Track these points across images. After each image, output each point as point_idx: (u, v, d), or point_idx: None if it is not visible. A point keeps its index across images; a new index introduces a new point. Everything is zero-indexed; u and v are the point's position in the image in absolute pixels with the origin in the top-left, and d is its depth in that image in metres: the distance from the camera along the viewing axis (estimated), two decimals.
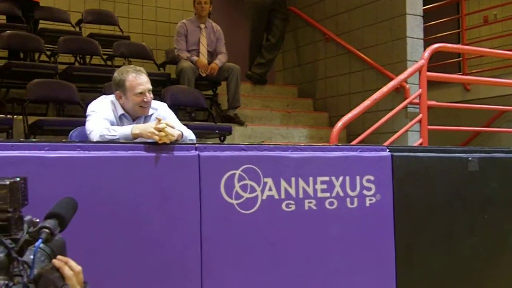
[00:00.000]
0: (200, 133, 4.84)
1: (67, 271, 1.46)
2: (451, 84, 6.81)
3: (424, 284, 3.54)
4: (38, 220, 1.46)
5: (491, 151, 3.96)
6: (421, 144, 4.83)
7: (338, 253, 3.19)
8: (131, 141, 2.88)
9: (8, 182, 1.39)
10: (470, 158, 3.73)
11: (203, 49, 6.32)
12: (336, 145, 3.76)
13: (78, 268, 1.49)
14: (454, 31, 7.97)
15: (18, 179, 1.42)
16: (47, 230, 1.43)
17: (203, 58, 6.26)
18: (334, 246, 3.18)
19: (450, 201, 3.68)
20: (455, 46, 5.94)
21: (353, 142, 4.74)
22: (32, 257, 1.39)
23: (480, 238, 3.82)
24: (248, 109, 6.61)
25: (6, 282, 1.31)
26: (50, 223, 1.46)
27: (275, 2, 7.15)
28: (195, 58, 6.21)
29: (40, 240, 1.41)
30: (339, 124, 4.37)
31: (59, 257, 1.48)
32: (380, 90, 4.79)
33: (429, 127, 4.89)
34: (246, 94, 7.14)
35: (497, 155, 3.95)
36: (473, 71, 7.77)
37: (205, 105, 5.97)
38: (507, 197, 3.97)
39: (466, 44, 7.57)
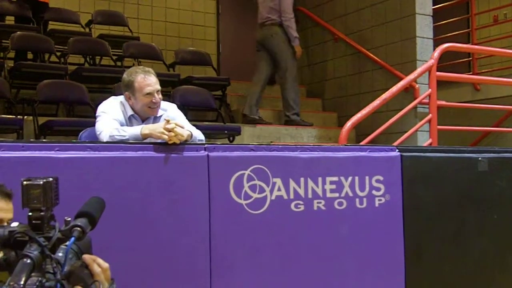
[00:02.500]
0: (209, 134, 4.85)
1: (95, 268, 1.48)
2: (460, 84, 6.79)
3: (433, 284, 3.54)
4: (69, 218, 1.49)
5: (501, 151, 3.94)
6: (430, 144, 4.82)
7: (347, 253, 3.18)
8: (140, 142, 2.89)
9: (41, 182, 1.43)
10: (479, 158, 3.72)
11: None
12: (345, 145, 3.76)
13: (105, 265, 1.52)
14: (464, 30, 7.94)
15: (51, 179, 1.45)
16: (79, 229, 1.46)
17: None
18: (343, 246, 3.18)
19: (459, 201, 3.67)
20: (464, 45, 5.92)
21: (362, 142, 4.74)
22: (62, 254, 1.42)
23: (489, 238, 3.81)
24: None
25: (40, 279, 1.33)
26: (81, 221, 1.49)
27: None
28: None
29: (72, 239, 1.44)
30: (348, 124, 4.36)
31: (86, 255, 1.50)
32: (390, 90, 4.78)
33: (439, 127, 4.87)
34: None
35: (507, 155, 3.93)
36: (483, 70, 7.74)
37: (214, 105, 5.98)
38: None
39: (476, 44, 7.54)
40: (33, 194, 1.42)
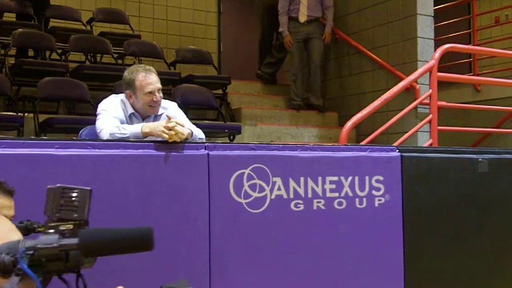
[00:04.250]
0: (209, 132, 4.85)
1: None
2: (461, 85, 6.78)
3: (432, 285, 3.54)
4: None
5: (501, 152, 3.94)
6: (431, 144, 4.82)
7: (346, 253, 3.19)
8: (141, 140, 2.90)
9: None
10: (480, 159, 3.72)
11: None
12: (345, 145, 3.76)
13: None
14: (465, 31, 7.94)
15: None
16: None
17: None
18: (342, 246, 3.18)
19: (459, 202, 3.67)
20: (465, 46, 5.92)
21: (363, 142, 4.74)
22: None
23: (489, 239, 3.81)
24: (258, 109, 6.62)
25: None
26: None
27: None
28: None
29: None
30: (349, 124, 4.36)
31: None
32: (390, 90, 4.78)
33: (439, 127, 4.87)
34: (256, 94, 7.15)
35: (507, 156, 3.93)
36: (484, 71, 7.74)
37: (215, 104, 5.98)
38: None
39: (477, 45, 7.54)
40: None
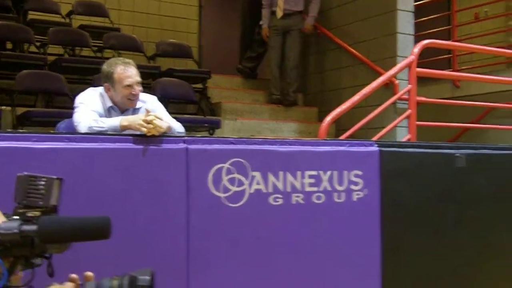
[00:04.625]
0: (189, 127, 4.83)
1: None
2: (440, 81, 6.84)
3: (410, 279, 3.57)
4: None
5: (479, 148, 3.98)
6: (409, 139, 4.85)
7: (324, 247, 3.20)
8: (119, 133, 2.88)
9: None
10: (457, 154, 3.75)
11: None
12: (324, 139, 3.77)
13: None
14: (445, 27, 7.99)
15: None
16: None
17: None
18: (321, 240, 3.19)
19: (437, 197, 3.70)
20: (445, 42, 5.95)
21: (342, 137, 4.75)
22: None
23: (467, 233, 3.84)
24: (238, 103, 6.61)
25: None
26: None
27: None
28: None
29: None
30: (328, 118, 4.37)
31: None
32: (370, 85, 4.79)
33: (418, 123, 4.90)
34: (236, 88, 7.14)
35: (484, 152, 3.97)
36: (463, 67, 7.80)
37: (195, 98, 5.97)
38: (494, 193, 4.00)
39: (457, 41, 7.59)
40: None
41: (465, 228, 3.84)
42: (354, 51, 6.51)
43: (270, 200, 3.01)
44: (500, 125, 5.80)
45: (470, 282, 3.86)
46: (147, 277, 1.44)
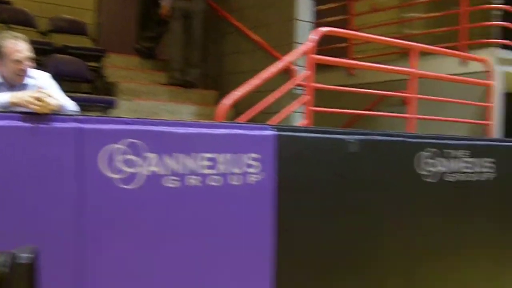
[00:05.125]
0: (83, 106, 4.66)
1: None
2: (337, 68, 7.00)
3: (305, 263, 3.64)
4: None
5: (371, 134, 4.11)
6: (306, 125, 4.93)
7: (220, 229, 3.20)
8: (7, 110, 2.73)
9: None
10: (350, 140, 3.85)
11: None
12: (221, 122, 3.76)
13: None
14: (343, 17, 8.18)
15: None
16: None
17: None
18: (216, 223, 3.18)
19: (331, 181, 3.79)
20: (342, 30, 6.08)
21: (239, 120, 4.76)
22: None
23: (360, 218, 3.97)
24: (135, 83, 6.47)
25: None
26: None
27: None
28: None
29: None
30: (225, 101, 4.37)
31: None
32: (268, 69, 4.83)
33: (314, 108, 5.00)
34: (133, 68, 6.98)
35: (376, 138, 4.10)
36: (358, 56, 8.03)
37: (90, 76, 5.77)
38: (385, 178, 4.15)
39: (353, 30, 7.79)
40: None
41: (357, 212, 3.96)
42: (254, 35, 6.53)
43: (166, 182, 2.96)
44: (391, 112, 6.02)
45: (363, 265, 4.00)
46: (27, 255, 1.37)
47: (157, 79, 6.89)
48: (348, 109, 6.02)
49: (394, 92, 5.90)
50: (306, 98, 4.94)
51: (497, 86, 6.26)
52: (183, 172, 3.02)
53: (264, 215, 3.38)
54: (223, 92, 6.69)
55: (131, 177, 2.84)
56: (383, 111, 6.33)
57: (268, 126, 3.49)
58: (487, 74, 6.17)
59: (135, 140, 2.85)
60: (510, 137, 5.62)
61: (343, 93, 5.86)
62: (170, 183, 2.98)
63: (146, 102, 6.10)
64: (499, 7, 6.57)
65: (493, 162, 4.98)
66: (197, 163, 3.07)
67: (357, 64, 6.48)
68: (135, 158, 2.85)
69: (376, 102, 6.88)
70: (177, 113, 6.19)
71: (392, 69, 5.81)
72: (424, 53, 5.86)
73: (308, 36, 5.76)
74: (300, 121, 5.15)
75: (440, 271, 4.57)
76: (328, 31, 5.24)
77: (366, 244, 4.02)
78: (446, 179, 4.55)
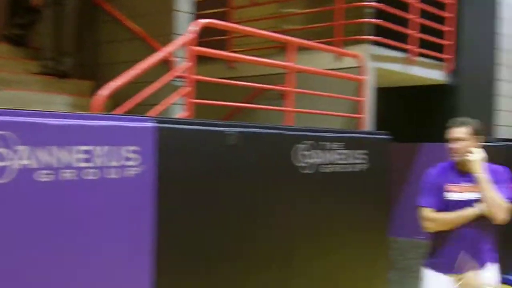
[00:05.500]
0: None
1: None
2: (216, 61, 7.00)
3: (186, 255, 3.63)
4: None
5: (250, 126, 4.15)
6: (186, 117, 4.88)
7: (97, 225, 3.10)
8: None
9: None
10: (229, 132, 3.88)
11: None
12: (99, 113, 3.64)
13: None
14: (223, 9, 8.19)
15: None
16: None
17: None
18: (93, 218, 3.08)
19: (211, 173, 3.80)
20: (222, 23, 6.08)
21: (117, 112, 4.63)
22: None
23: (240, 210, 4.01)
24: (4, 72, 6.11)
25: None
26: None
27: None
28: None
29: None
30: (102, 92, 4.23)
31: None
32: (147, 60, 4.73)
33: (195, 100, 4.96)
34: (3, 56, 6.59)
35: (255, 130, 4.16)
36: (238, 49, 8.07)
37: None
38: (264, 170, 4.22)
39: (234, 23, 7.82)
40: None
41: (237, 204, 3.99)
42: (131, 25, 6.38)
43: (39, 176, 2.82)
44: (270, 106, 6.10)
45: (243, 255, 4.05)
46: None
47: (29, 68, 6.54)
48: (228, 101, 6.04)
49: (273, 85, 5.99)
50: (187, 90, 4.90)
51: (370, 81, 6.54)
52: (57, 166, 2.89)
53: (144, 208, 3.32)
54: (99, 82, 6.48)
55: (0, 171, 2.67)
56: (262, 104, 6.42)
57: (147, 118, 3.43)
58: (360, 69, 6.42)
59: (4, 132, 2.68)
60: (381, 130, 5.90)
61: (224, 85, 5.87)
62: (43, 177, 2.84)
63: (17, 92, 5.77)
64: (372, 5, 6.85)
65: (366, 154, 5.22)
66: (72, 156, 2.95)
67: (237, 57, 6.51)
68: (4, 150, 2.68)
69: (255, 95, 6.96)
70: (51, 103, 5.92)
71: (270, 63, 5.90)
72: (301, 48, 6.00)
73: (188, 28, 5.72)
74: (180, 113, 5.09)
75: (317, 258, 4.72)
76: (208, 23, 5.22)
77: (247, 235, 4.07)
78: (322, 171, 4.69)
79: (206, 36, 6.53)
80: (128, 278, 3.29)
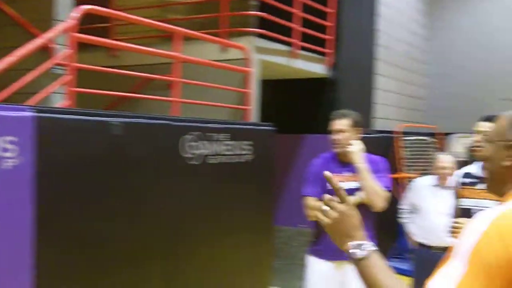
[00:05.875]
0: None
1: None
2: (97, 49, 6.80)
3: (67, 248, 3.50)
4: None
5: (135, 117, 4.07)
6: (67, 106, 4.70)
7: None
8: None
9: None
10: (114, 122, 3.78)
11: None
12: None
13: None
14: None
15: None
16: None
17: None
18: None
19: (95, 164, 3.69)
20: (105, 9, 5.90)
21: None
22: None
23: (125, 201, 3.92)
24: None
25: None
26: None
27: None
28: None
29: None
30: None
31: None
32: (25, 46, 4.50)
33: (76, 89, 4.79)
34: None
35: (141, 121, 4.08)
36: (121, 38, 7.88)
37: None
38: (151, 161, 4.15)
39: (116, 10, 7.62)
40: None
41: (122, 196, 3.91)
42: (8, 10, 6.04)
43: None
44: (155, 96, 6.01)
45: (127, 248, 3.97)
46: None
47: None
48: (111, 91, 5.88)
49: (158, 75, 5.90)
50: (67, 78, 4.71)
51: (255, 73, 6.61)
52: None
53: (22, 201, 3.16)
54: None
55: None
56: (148, 95, 6.31)
57: (26, 107, 3.27)
58: (245, 61, 6.47)
59: None
60: (265, 122, 5.99)
61: (107, 74, 5.71)
62: None
63: None
64: None
65: (251, 145, 5.28)
66: None
67: (120, 45, 6.35)
68: None
69: (141, 85, 6.83)
70: None
71: (157, 52, 5.81)
72: (187, 38, 5.95)
73: (69, 14, 5.50)
74: (60, 102, 4.89)
75: (203, 247, 4.73)
76: (90, 9, 5.04)
77: (132, 227, 3.99)
78: (209, 162, 4.70)
79: (88, 23, 6.32)
80: (9, 275, 3.13)
